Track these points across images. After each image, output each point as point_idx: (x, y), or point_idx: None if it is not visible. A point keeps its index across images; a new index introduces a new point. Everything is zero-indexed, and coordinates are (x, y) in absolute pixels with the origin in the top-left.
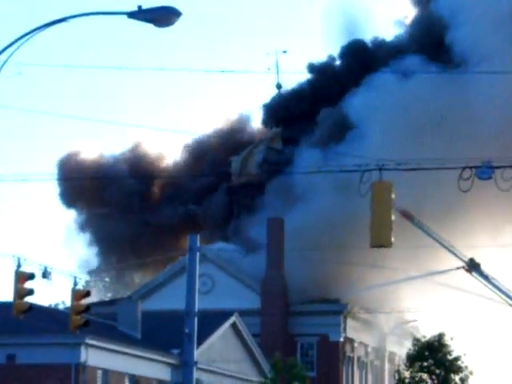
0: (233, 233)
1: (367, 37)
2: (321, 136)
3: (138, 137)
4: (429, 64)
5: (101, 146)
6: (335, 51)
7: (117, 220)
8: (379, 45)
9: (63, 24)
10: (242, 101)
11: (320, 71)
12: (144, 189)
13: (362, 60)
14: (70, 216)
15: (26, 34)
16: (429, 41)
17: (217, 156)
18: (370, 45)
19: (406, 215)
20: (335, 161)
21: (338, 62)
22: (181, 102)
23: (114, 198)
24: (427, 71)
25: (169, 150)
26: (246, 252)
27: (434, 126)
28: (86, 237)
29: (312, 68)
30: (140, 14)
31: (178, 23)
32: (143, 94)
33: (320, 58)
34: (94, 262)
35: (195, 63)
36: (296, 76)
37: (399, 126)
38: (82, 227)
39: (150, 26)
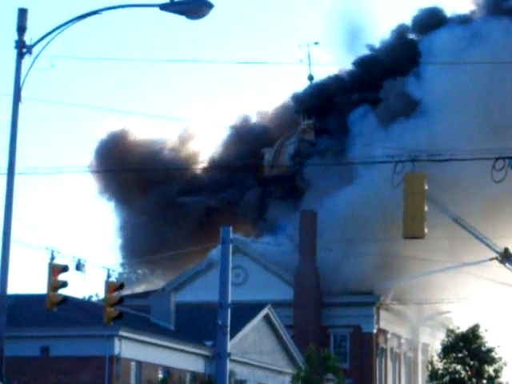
0: (266, 225)
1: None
2: (385, 112)
3: (175, 128)
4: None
5: (134, 136)
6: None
7: (153, 212)
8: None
9: (96, 16)
10: (273, 93)
11: (386, 46)
12: (183, 181)
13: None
14: (109, 210)
15: (59, 27)
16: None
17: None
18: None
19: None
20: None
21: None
22: (211, 93)
23: (153, 191)
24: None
25: (204, 140)
26: (280, 244)
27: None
28: (125, 230)
29: (370, 47)
30: (172, 6)
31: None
32: (174, 86)
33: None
34: (128, 254)
35: (225, 55)
36: (327, 67)
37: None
38: (121, 222)
39: (182, 18)
